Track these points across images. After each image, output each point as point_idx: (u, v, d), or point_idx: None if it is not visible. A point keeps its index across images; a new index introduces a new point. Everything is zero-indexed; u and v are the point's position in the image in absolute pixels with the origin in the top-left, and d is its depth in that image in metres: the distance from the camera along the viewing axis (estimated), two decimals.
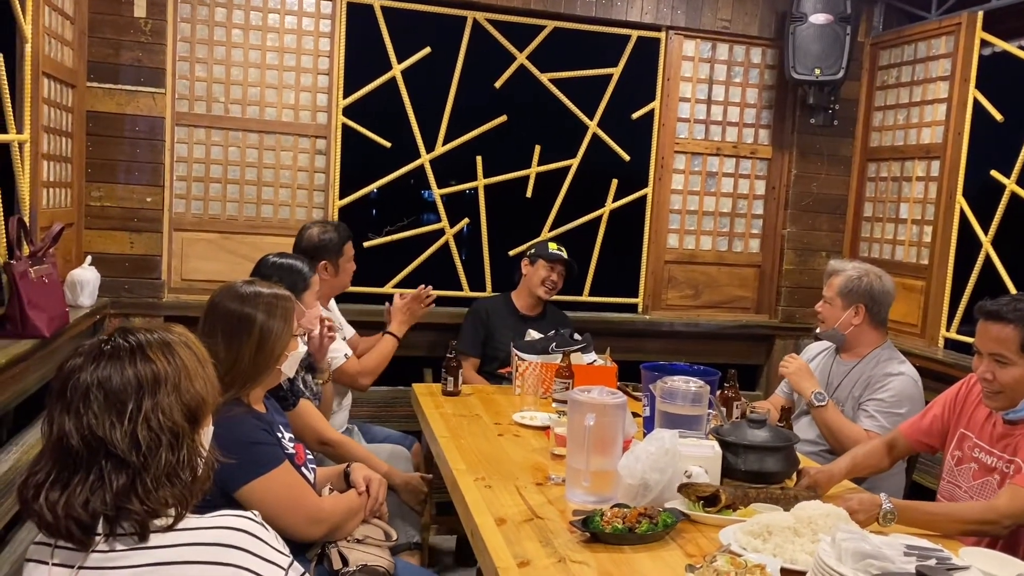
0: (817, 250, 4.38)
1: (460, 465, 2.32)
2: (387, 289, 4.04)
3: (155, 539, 1.21)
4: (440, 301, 4.09)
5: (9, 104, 2.69)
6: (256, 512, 1.29)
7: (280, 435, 2.04)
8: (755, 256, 4.45)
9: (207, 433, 1.34)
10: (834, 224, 4.40)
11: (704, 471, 2.11)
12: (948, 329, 3.79)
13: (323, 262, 3.22)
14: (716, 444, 2.20)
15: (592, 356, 3.37)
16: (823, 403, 2.75)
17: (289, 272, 2.70)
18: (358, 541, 2.11)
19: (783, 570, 1.67)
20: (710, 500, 2.02)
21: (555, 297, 3.80)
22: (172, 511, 1.23)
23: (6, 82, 2.63)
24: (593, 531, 1.83)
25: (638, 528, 1.84)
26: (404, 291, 3.52)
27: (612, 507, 1.93)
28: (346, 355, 3.11)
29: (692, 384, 2.36)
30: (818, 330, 3.06)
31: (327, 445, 2.60)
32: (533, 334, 3.50)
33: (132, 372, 1.24)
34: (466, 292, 4.12)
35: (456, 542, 3.63)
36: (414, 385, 3.26)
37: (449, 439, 2.56)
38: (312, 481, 2.10)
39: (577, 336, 3.43)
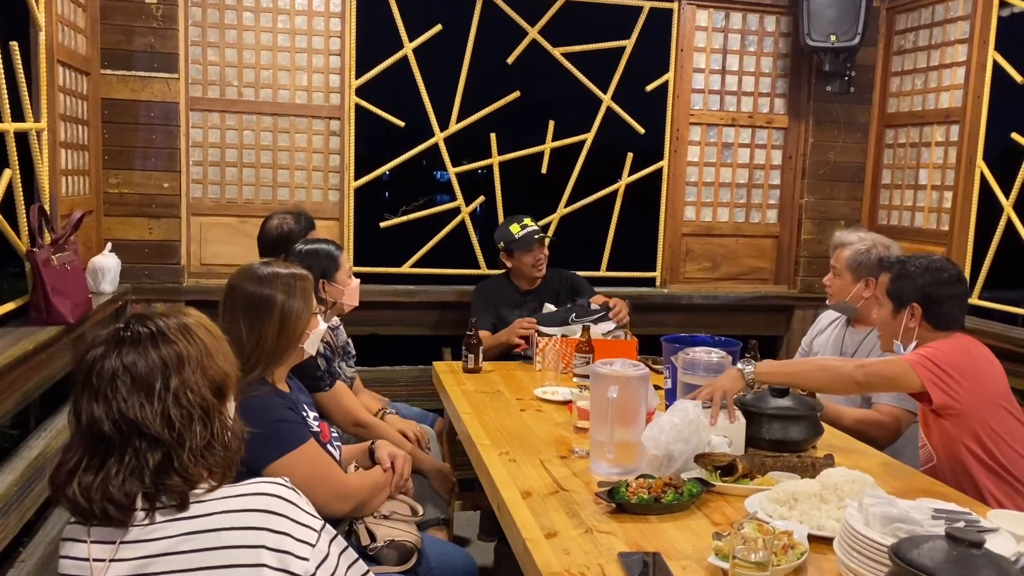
0: (835, 219, 4.35)
1: (484, 440, 2.33)
2: (404, 269, 4.05)
3: (193, 508, 1.23)
4: (458, 279, 4.12)
5: (26, 92, 2.71)
6: (287, 478, 1.31)
7: (305, 414, 2.07)
8: (773, 227, 4.42)
9: (232, 406, 1.37)
10: (852, 192, 4.36)
11: (727, 441, 2.12)
12: (969, 295, 3.76)
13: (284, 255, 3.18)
14: (739, 412, 2.20)
15: (611, 324, 3.37)
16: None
17: (315, 257, 2.72)
18: (385, 517, 2.13)
19: (810, 536, 1.68)
20: (727, 469, 2.02)
21: (575, 271, 3.81)
22: (210, 481, 1.25)
23: (23, 70, 2.65)
24: (619, 502, 1.84)
25: (664, 498, 1.85)
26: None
27: (637, 478, 1.94)
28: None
29: (714, 355, 2.36)
30: (829, 302, 3.02)
31: (361, 427, 2.63)
32: (550, 307, 3.49)
33: (156, 355, 1.26)
34: (483, 270, 4.12)
35: (480, 517, 3.67)
36: (435, 364, 3.28)
37: (472, 415, 2.58)
38: (338, 459, 2.13)
39: (594, 306, 3.43)
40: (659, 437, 2.02)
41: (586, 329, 3.08)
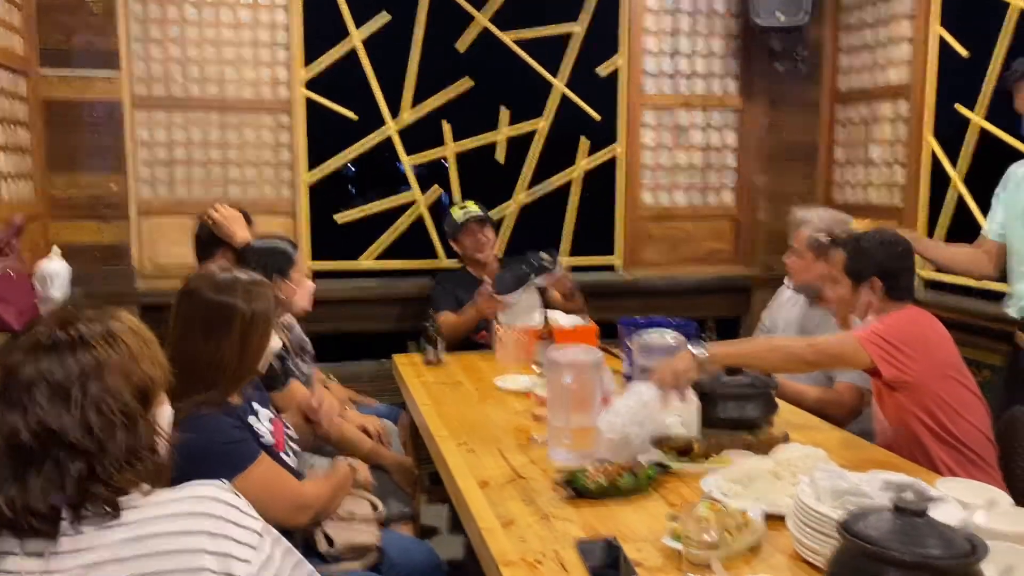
0: (791, 197, 4.37)
1: (442, 432, 2.32)
2: (362, 263, 4.01)
3: (127, 515, 1.20)
4: (417, 272, 4.08)
5: None
6: (224, 480, 1.28)
7: (255, 419, 1.99)
8: (730, 208, 4.44)
9: (164, 413, 1.33)
10: (807, 171, 4.39)
11: (680, 421, 2.12)
12: (923, 268, 3.81)
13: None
14: (692, 393, 2.20)
15: (560, 270, 3.36)
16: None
17: (271, 255, 2.66)
18: (343, 519, 2.10)
19: (766, 515, 1.68)
20: (684, 451, 2.02)
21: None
22: (139, 490, 1.22)
23: None
24: (577, 488, 1.84)
25: (620, 482, 1.85)
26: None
27: (595, 463, 1.93)
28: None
29: (669, 337, 2.36)
30: (790, 283, 3.02)
31: (314, 425, 2.59)
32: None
33: (74, 362, 1.21)
34: (442, 261, 4.09)
35: (448, 510, 3.65)
36: (395, 356, 3.25)
37: (431, 407, 2.56)
38: (294, 466, 2.06)
39: (544, 255, 3.37)
40: (615, 421, 2.01)
41: (546, 318, 3.07)
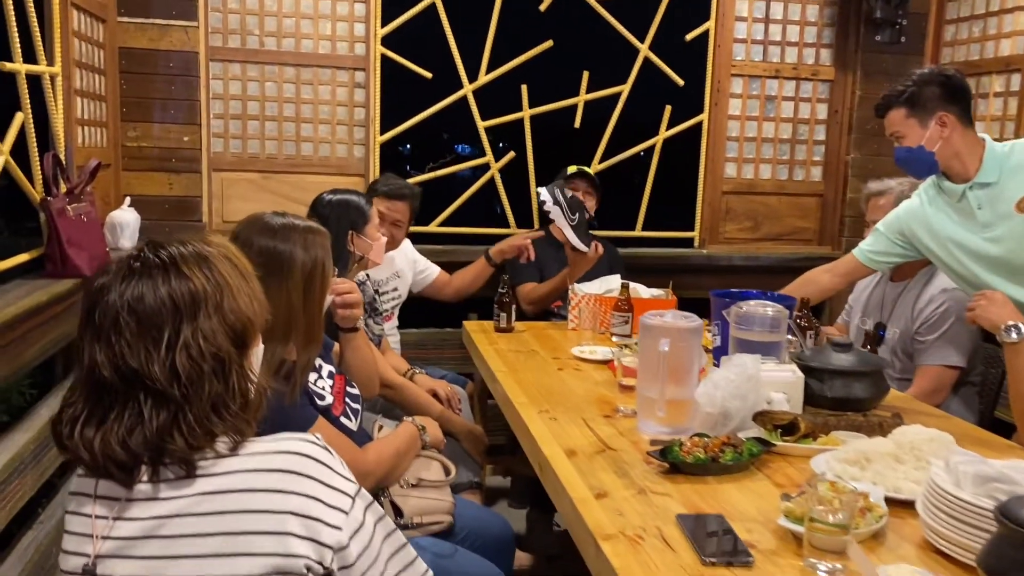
0: (883, 176, 4.12)
1: (521, 398, 2.19)
2: (431, 228, 3.90)
3: (209, 466, 1.09)
4: (485, 239, 3.95)
5: (39, 35, 2.57)
6: (319, 435, 1.16)
7: (315, 375, 1.86)
8: (817, 184, 4.22)
9: (257, 355, 1.21)
10: None
11: (785, 398, 1.96)
12: None
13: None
14: (797, 368, 2.04)
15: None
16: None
17: (345, 208, 2.54)
18: (412, 486, 1.98)
19: (887, 499, 1.52)
20: (788, 428, 1.86)
21: (604, 233, 3.64)
22: (223, 443, 1.10)
23: (34, 12, 2.51)
24: (673, 461, 1.70)
25: (722, 458, 1.70)
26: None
27: (691, 437, 1.79)
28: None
29: (769, 308, 2.19)
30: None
31: (388, 387, 2.49)
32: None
33: (166, 291, 1.10)
34: (513, 230, 3.96)
35: (510, 483, 3.54)
36: (465, 323, 3.13)
37: (507, 374, 2.44)
38: (353, 428, 1.95)
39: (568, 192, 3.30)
40: (714, 394, 1.86)
41: (625, 287, 2.93)
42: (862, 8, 3.95)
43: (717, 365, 2.38)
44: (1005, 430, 2.90)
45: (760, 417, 1.86)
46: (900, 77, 2.40)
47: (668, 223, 4.14)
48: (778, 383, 1.97)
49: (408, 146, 4.19)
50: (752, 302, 2.21)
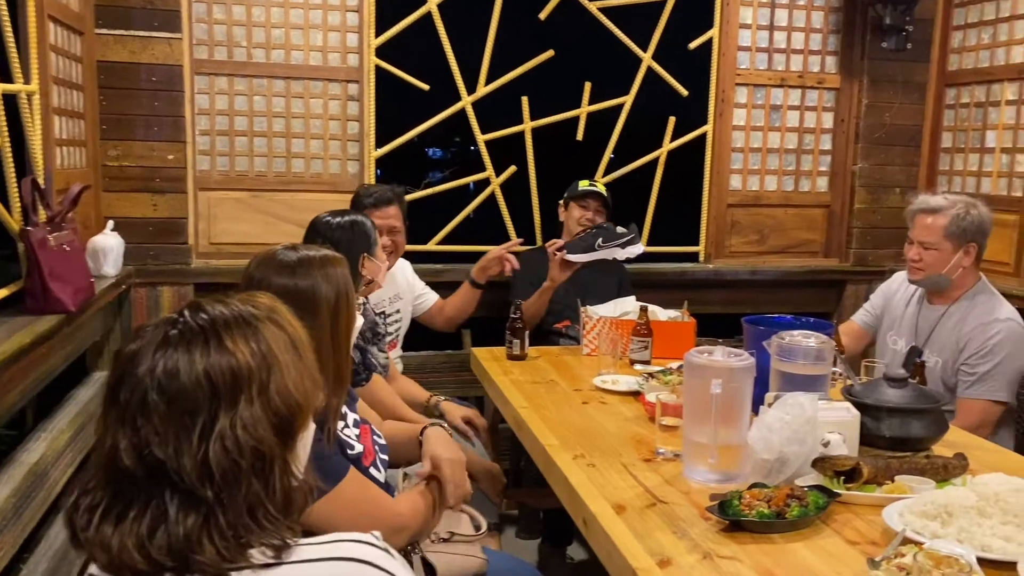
0: (891, 186, 4.04)
1: (552, 440, 2.03)
2: (430, 247, 3.73)
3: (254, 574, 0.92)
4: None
5: (14, 51, 2.37)
6: (378, 534, 1.00)
7: (342, 424, 1.72)
8: (824, 195, 4.11)
9: (305, 444, 1.02)
10: (909, 158, 4.04)
11: (842, 439, 1.82)
12: None
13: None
14: (851, 406, 1.91)
15: (639, 248, 3.16)
16: None
17: (357, 230, 2.37)
18: (444, 540, 1.82)
19: (978, 560, 1.39)
20: (849, 475, 1.73)
21: None
22: (261, 552, 0.93)
23: (9, 25, 2.31)
24: (734, 518, 1.55)
25: (788, 512, 1.56)
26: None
27: (750, 488, 1.65)
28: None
29: (813, 339, 2.06)
30: (914, 278, 2.68)
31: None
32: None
33: (203, 367, 0.92)
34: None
35: (519, 513, 3.38)
36: (474, 350, 2.97)
37: (530, 410, 2.28)
38: (382, 480, 1.80)
39: (621, 229, 3.16)
40: (770, 438, 1.72)
41: (644, 311, 2.79)
42: (868, 15, 3.85)
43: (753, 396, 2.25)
44: None
45: (819, 463, 1.72)
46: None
47: (673, 237, 4.01)
48: (833, 423, 1.83)
49: (406, 157, 3.97)
50: (795, 333, 2.07)
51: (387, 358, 2.65)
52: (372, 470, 1.76)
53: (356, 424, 1.79)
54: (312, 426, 1.06)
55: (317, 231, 2.38)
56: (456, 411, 2.54)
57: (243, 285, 1.65)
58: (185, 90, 3.32)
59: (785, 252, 4.08)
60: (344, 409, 1.74)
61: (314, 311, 1.58)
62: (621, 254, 3.16)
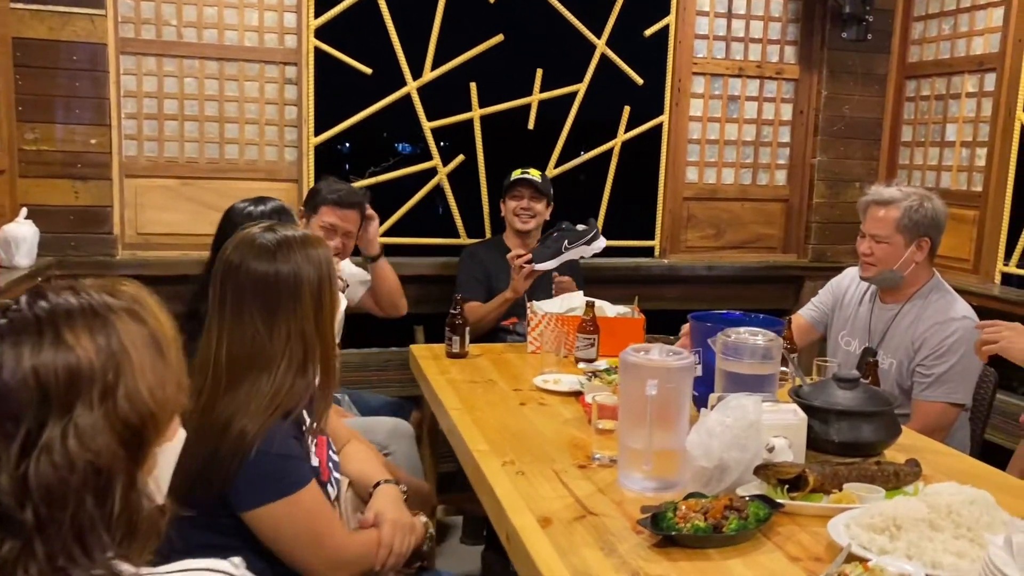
0: (850, 180, 3.95)
1: (481, 446, 1.89)
2: None
3: None
4: (433, 249, 3.65)
5: None
6: (238, 561, 0.84)
7: (304, 428, 1.56)
8: (782, 189, 4.01)
9: (167, 458, 0.88)
10: (868, 151, 3.95)
11: (788, 443, 1.70)
12: (1007, 263, 3.39)
13: (300, 209, 2.76)
14: (798, 408, 1.78)
15: (603, 242, 3.03)
16: None
17: (279, 217, 2.19)
18: None
19: None
20: (794, 483, 1.60)
21: None
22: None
23: None
24: (668, 532, 1.42)
25: (725, 526, 1.43)
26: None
27: (686, 498, 1.51)
28: None
29: (760, 337, 1.93)
30: (866, 274, 2.57)
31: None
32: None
33: (31, 365, 0.77)
34: (463, 239, 3.65)
35: (463, 520, 3.24)
36: (412, 347, 2.82)
37: (463, 412, 2.13)
38: (336, 496, 1.65)
39: (581, 226, 3.03)
40: (710, 443, 1.59)
41: (590, 306, 2.65)
42: (828, 3, 3.74)
43: (697, 396, 2.13)
44: (997, 455, 2.71)
45: (763, 470, 1.59)
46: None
47: (627, 231, 3.88)
48: (779, 426, 1.71)
49: (348, 145, 3.80)
50: (742, 330, 1.95)
51: None
52: (328, 486, 1.61)
53: (313, 436, 1.63)
54: (180, 435, 0.91)
55: (234, 223, 2.21)
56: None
57: (221, 271, 1.52)
58: (110, 70, 3.12)
59: (742, 247, 3.98)
60: (306, 416, 1.58)
61: (297, 297, 1.49)
62: (588, 251, 3.06)
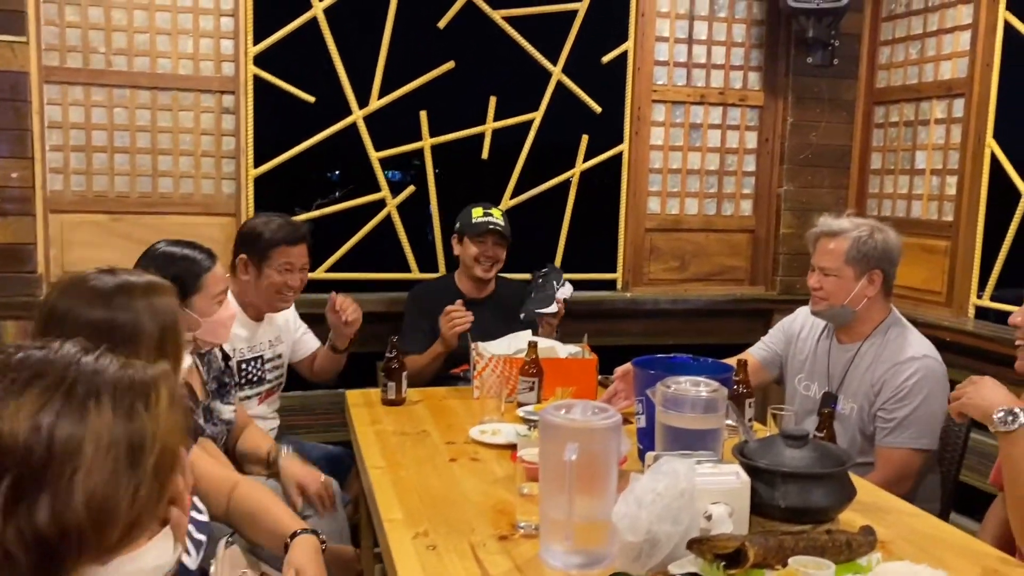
0: (818, 210, 3.69)
1: (394, 514, 1.70)
2: (319, 275, 3.38)
3: None
4: (386, 285, 3.48)
5: None
6: None
7: None
8: (747, 220, 3.86)
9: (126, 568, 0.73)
10: (837, 180, 3.82)
11: (728, 511, 1.52)
12: (980, 296, 3.25)
13: (241, 256, 2.58)
14: (740, 470, 1.61)
15: (569, 290, 2.93)
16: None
17: (173, 263, 2.03)
18: None
19: None
20: (733, 558, 1.42)
21: (512, 276, 3.18)
22: None
23: None
24: None
25: None
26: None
27: None
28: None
29: (703, 388, 1.76)
30: (816, 308, 2.41)
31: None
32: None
33: None
34: (414, 273, 3.48)
35: None
36: (347, 393, 2.63)
37: (383, 471, 1.94)
38: (192, 568, 1.45)
39: (549, 269, 3.00)
40: (637, 515, 1.41)
41: (532, 346, 2.48)
42: (792, 28, 3.62)
43: (643, 451, 1.96)
44: (973, 500, 2.55)
45: (697, 544, 1.41)
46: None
47: (588, 264, 3.72)
48: (718, 491, 1.53)
49: (289, 176, 3.63)
50: (683, 380, 1.78)
51: (233, 411, 2.28)
52: (184, 556, 1.41)
53: None
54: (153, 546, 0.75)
55: (141, 262, 2.04)
56: (294, 472, 2.16)
57: (41, 319, 1.34)
58: (32, 100, 2.96)
59: (708, 279, 3.82)
60: None
61: (134, 349, 1.29)
62: (568, 289, 2.99)
